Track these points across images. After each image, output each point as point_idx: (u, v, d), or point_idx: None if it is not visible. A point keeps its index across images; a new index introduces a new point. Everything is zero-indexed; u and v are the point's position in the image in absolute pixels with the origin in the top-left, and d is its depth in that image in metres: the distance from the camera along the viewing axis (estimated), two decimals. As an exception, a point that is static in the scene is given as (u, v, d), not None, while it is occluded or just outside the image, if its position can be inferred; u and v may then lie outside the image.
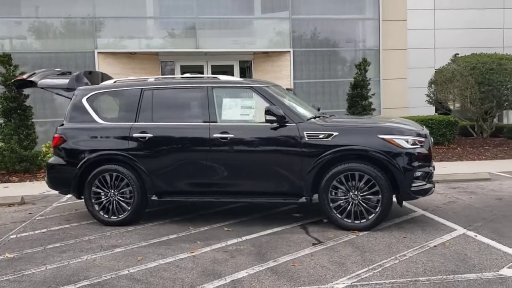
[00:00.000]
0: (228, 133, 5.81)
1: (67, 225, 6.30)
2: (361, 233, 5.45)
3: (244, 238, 5.45)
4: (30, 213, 7.13)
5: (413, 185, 5.49)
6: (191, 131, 5.98)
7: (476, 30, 23.70)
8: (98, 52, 12.62)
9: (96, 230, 5.98)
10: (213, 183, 5.92)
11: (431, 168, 5.70)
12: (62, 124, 6.49)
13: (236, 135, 5.79)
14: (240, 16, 13.52)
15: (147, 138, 6.00)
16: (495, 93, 13.91)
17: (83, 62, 12.61)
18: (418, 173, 5.51)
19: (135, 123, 6.12)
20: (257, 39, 13.73)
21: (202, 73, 13.85)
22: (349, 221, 5.57)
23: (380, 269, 4.36)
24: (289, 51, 13.50)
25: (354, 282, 4.08)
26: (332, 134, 5.57)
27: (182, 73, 13.87)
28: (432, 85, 15.56)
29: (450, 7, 23.44)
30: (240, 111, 5.97)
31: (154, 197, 6.07)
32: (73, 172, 6.18)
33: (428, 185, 5.64)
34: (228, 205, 7.00)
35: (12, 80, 7.30)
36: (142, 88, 6.26)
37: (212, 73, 13.79)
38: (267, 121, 5.69)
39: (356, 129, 5.73)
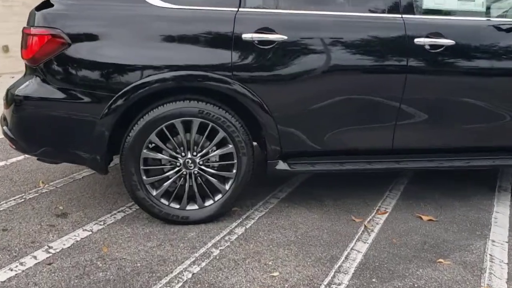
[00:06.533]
0: (443, 37, 2.90)
1: (86, 232, 2.92)
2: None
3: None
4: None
5: None
6: (367, 30, 2.89)
7: None
8: None
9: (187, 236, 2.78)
10: (406, 134, 3.07)
11: None
12: (47, 3, 2.78)
13: (460, 42, 2.93)
14: None
15: (276, 42, 2.77)
16: None
17: None
18: None
19: (241, 9, 2.80)
20: None
21: None
22: None
23: None
24: None
25: None
26: None
27: None
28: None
29: None
30: (459, -5, 3.07)
31: (282, 165, 2.99)
32: (95, 116, 2.72)
33: None
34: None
35: None
36: None
37: None
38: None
39: None
